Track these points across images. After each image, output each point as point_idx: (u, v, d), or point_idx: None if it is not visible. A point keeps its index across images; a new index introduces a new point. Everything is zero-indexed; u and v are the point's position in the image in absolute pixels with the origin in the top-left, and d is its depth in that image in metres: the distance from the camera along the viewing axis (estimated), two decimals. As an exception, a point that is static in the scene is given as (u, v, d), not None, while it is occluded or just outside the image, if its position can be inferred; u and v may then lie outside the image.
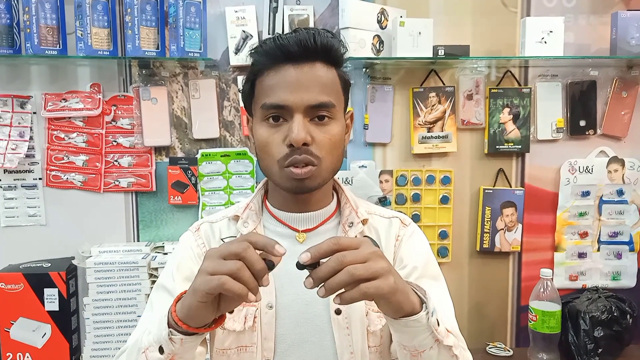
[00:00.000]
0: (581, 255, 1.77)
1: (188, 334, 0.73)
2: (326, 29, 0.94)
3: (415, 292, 0.74)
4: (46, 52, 1.52)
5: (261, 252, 0.68)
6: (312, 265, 0.67)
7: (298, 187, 0.87)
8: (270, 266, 0.68)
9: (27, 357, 1.58)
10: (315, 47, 0.86)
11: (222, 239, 0.97)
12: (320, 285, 0.67)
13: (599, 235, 1.77)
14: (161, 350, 0.74)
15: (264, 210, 0.98)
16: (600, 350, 1.59)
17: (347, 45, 0.92)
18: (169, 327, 0.73)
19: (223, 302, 0.71)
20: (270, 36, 0.93)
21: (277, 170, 0.87)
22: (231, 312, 0.87)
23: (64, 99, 1.64)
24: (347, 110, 0.96)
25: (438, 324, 0.75)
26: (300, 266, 0.67)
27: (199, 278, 0.68)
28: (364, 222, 0.96)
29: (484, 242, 1.75)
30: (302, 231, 0.94)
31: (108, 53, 1.56)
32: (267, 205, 0.98)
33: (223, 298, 0.70)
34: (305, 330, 0.91)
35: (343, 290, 0.67)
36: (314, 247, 0.68)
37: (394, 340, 0.81)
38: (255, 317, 0.91)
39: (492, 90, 1.71)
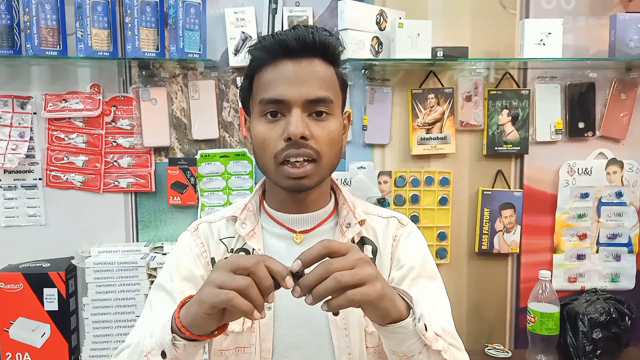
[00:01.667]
0: (580, 257, 1.77)
1: (191, 340, 0.73)
2: (325, 28, 0.94)
3: (403, 298, 0.74)
4: (46, 52, 1.53)
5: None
6: (299, 276, 0.68)
7: (296, 185, 0.87)
8: (277, 285, 0.68)
9: (27, 356, 1.58)
10: (313, 43, 0.86)
11: (220, 240, 0.97)
12: (308, 294, 0.67)
13: (598, 237, 1.77)
14: (164, 354, 0.74)
15: (261, 211, 0.98)
16: (598, 352, 1.59)
17: (344, 45, 0.92)
18: (172, 333, 0.73)
19: (227, 313, 0.71)
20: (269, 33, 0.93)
21: (274, 167, 0.87)
22: None
23: (64, 100, 1.65)
24: (345, 110, 0.96)
25: (426, 329, 0.74)
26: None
27: (206, 289, 0.68)
28: (362, 222, 0.95)
29: (483, 243, 1.75)
30: (300, 232, 0.94)
31: (108, 54, 1.56)
32: (264, 206, 0.98)
33: (228, 310, 0.70)
34: (303, 332, 0.91)
35: (331, 297, 0.67)
36: (303, 253, 0.69)
37: (384, 345, 0.81)
38: (253, 318, 0.91)
39: (491, 92, 1.71)
